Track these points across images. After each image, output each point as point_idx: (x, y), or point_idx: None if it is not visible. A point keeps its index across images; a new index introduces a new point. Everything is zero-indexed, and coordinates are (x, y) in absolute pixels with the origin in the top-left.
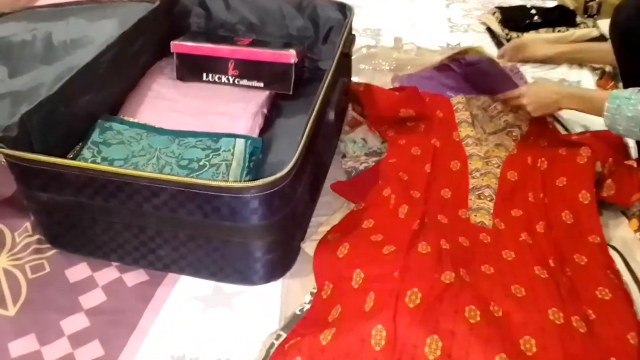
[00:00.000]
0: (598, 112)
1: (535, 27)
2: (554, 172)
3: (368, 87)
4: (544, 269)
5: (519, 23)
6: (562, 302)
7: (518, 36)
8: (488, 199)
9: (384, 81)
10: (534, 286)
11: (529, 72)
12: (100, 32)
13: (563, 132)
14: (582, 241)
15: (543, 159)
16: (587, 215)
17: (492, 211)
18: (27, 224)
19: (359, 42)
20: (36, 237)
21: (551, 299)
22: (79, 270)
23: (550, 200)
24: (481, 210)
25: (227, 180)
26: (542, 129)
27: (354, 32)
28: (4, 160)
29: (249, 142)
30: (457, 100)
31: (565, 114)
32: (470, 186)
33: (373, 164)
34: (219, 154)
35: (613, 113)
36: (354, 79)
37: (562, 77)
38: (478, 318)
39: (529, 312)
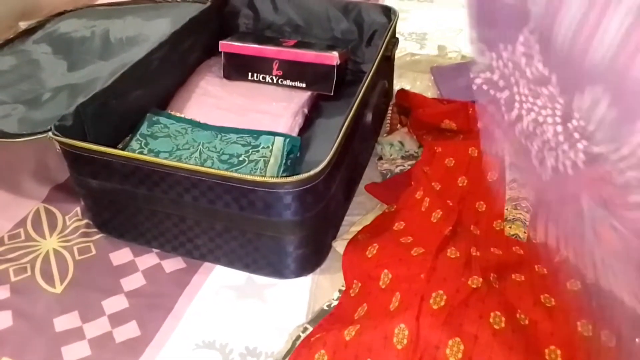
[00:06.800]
0: None
1: None
2: None
3: (416, 94)
4: (578, 280)
5: None
6: (593, 315)
7: None
8: (525, 209)
9: (427, 85)
10: (564, 297)
11: None
12: (154, 30)
13: None
14: None
15: None
16: None
17: (527, 223)
18: (78, 209)
19: (404, 46)
20: (85, 221)
21: (582, 311)
22: (122, 255)
23: None
24: (517, 221)
25: (263, 176)
26: None
27: (398, 36)
28: (59, 147)
29: (288, 140)
30: None
31: None
32: (507, 197)
33: (409, 167)
34: (258, 151)
35: None
36: (396, 83)
37: None
38: (503, 324)
39: (557, 322)
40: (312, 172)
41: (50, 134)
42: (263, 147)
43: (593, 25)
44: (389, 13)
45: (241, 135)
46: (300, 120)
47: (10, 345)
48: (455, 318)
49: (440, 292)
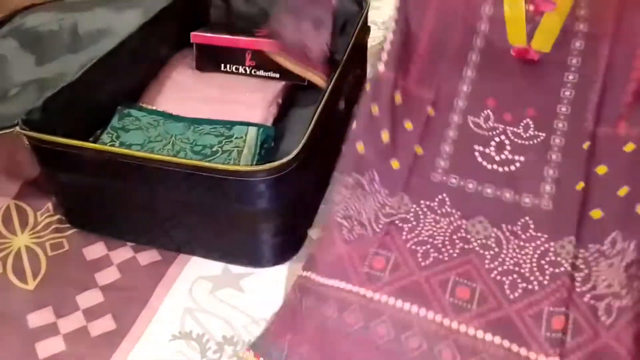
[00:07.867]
0: None
1: None
2: None
3: None
4: None
5: None
6: None
7: None
8: None
9: None
10: None
11: None
12: (125, 22)
13: None
14: None
15: None
16: None
17: None
18: (49, 205)
19: (378, 34)
20: (57, 217)
21: None
22: (95, 249)
23: None
24: None
25: (237, 165)
26: None
27: (372, 25)
28: (27, 142)
29: (261, 130)
30: None
31: None
32: None
33: None
34: (231, 141)
35: None
36: (369, 71)
37: None
38: None
39: None
40: (284, 160)
41: (17, 128)
42: (236, 138)
43: None
44: (360, 1)
45: (214, 126)
46: (274, 110)
47: None
48: None
49: None
